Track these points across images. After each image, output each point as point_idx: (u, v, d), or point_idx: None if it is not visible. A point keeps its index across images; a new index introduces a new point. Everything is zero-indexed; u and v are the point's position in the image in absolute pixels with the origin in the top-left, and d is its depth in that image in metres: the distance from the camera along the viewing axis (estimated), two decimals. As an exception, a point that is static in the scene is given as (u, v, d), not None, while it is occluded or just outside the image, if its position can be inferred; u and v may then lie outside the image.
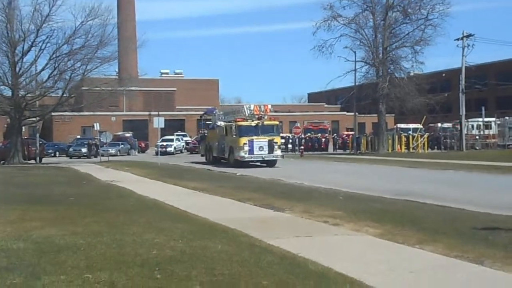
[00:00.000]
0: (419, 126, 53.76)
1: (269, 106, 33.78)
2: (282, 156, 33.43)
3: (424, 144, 48.98)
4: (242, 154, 30.82)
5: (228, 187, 18.66)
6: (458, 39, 47.92)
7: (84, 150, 52.08)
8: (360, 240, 9.45)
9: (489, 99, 69.45)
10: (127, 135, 60.94)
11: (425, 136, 49.94)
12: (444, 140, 52.40)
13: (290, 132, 59.87)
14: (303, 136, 54.17)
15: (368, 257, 8.07)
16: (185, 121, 72.98)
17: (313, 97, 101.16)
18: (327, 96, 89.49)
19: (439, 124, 56.72)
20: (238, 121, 31.88)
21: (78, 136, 61.79)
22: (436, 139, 52.77)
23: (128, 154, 54.58)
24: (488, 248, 8.41)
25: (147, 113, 69.81)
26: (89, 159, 46.94)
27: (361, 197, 15.65)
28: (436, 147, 51.84)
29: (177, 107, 77.45)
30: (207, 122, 41.18)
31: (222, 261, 7.53)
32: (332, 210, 12.60)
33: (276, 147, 31.25)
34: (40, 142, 46.19)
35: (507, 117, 52.48)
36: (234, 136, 31.61)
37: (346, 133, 63.21)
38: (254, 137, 30.90)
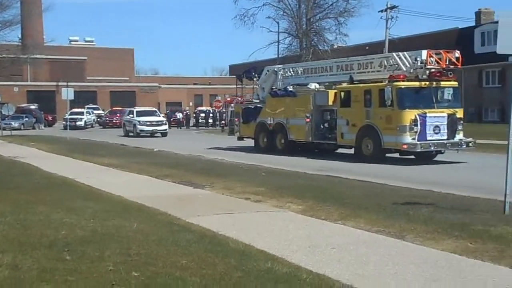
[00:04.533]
0: None
1: (456, 54, 19.23)
2: (474, 143, 19.37)
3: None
4: (407, 139, 17.87)
5: (145, 164, 18.05)
6: (382, 11, 47.04)
7: None
8: (282, 217, 9.28)
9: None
10: (32, 107, 56.61)
11: None
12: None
13: (211, 106, 59.17)
14: (224, 110, 53.42)
15: (291, 234, 7.95)
16: (97, 93, 69.68)
17: (235, 70, 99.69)
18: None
19: None
20: (397, 80, 18.40)
21: (-24, 109, 57.73)
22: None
23: (33, 128, 51.10)
24: (409, 223, 8.44)
25: (54, 83, 65.58)
26: (-12, 134, 43.91)
27: (283, 172, 15.55)
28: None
29: (88, 77, 74.24)
30: (252, 86, 27.87)
31: (138, 240, 7.16)
32: (254, 187, 12.40)
33: (460, 127, 19.00)
34: None
35: None
36: (388, 107, 18.14)
37: None
38: (426, 110, 18.29)
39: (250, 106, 25.56)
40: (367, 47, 65.09)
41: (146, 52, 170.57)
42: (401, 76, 18.32)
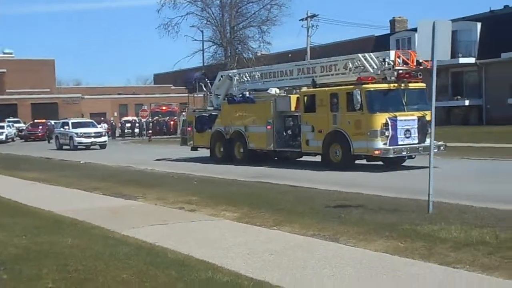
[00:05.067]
0: None
1: None
2: (445, 146, 18.18)
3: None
4: (379, 144, 16.84)
5: (73, 177, 17.65)
6: (303, 19, 48.04)
7: None
8: (218, 225, 9.35)
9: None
10: (-51, 122, 54.40)
11: None
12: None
13: (137, 116, 58.46)
14: (150, 119, 52.66)
15: (228, 242, 8.03)
16: (18, 106, 67.34)
17: (160, 79, 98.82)
18: (174, 78, 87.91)
19: None
20: (366, 83, 17.29)
21: None
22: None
23: None
24: (341, 225, 8.70)
25: (-29, 97, 63.35)
26: None
27: (215, 180, 15.59)
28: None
29: (7, 90, 71.67)
30: (204, 94, 25.95)
31: (74, 256, 7.05)
32: (187, 196, 12.39)
33: (429, 130, 16.50)
34: None
35: None
36: (357, 111, 17.05)
37: None
38: (397, 113, 17.27)
39: (204, 114, 23.75)
40: (289, 55, 66.59)
41: (67, 63, 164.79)
42: (370, 78, 17.31)
